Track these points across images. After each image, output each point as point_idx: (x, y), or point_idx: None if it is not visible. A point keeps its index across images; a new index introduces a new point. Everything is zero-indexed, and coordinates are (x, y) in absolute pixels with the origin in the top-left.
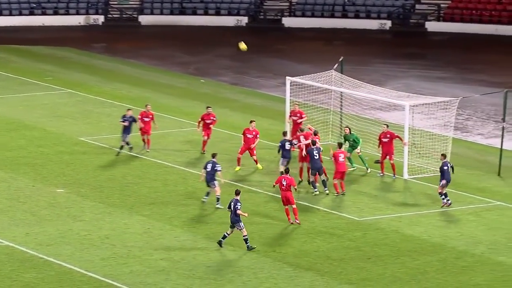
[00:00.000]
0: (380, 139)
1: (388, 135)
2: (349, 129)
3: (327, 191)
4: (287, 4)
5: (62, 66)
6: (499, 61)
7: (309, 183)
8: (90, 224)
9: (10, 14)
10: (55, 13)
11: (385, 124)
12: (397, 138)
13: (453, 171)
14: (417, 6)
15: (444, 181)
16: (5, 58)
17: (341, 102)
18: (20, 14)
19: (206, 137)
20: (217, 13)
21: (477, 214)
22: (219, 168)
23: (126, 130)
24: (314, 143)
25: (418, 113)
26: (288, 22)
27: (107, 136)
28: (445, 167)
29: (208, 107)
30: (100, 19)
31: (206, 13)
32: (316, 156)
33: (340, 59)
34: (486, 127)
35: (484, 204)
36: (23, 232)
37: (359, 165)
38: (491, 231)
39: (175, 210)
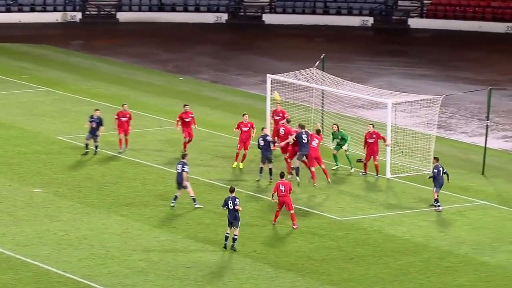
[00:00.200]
0: (365, 139)
1: (374, 135)
2: (337, 126)
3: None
4: (268, 0)
5: (39, 64)
6: (483, 58)
7: (293, 169)
8: (68, 224)
9: None
10: (32, 10)
11: (370, 124)
12: (382, 139)
13: (448, 178)
14: (400, 3)
15: (437, 187)
16: None
17: (322, 100)
18: None
19: (187, 138)
20: (197, 10)
21: (461, 213)
22: (186, 170)
23: (92, 131)
24: (303, 126)
25: (401, 111)
26: (269, 19)
27: (85, 135)
28: (435, 170)
29: (185, 105)
30: (78, 16)
31: (185, 10)
32: (305, 140)
33: (322, 57)
34: (469, 125)
35: (467, 203)
36: (0, 232)
37: (344, 164)
38: (475, 231)
39: (154, 210)
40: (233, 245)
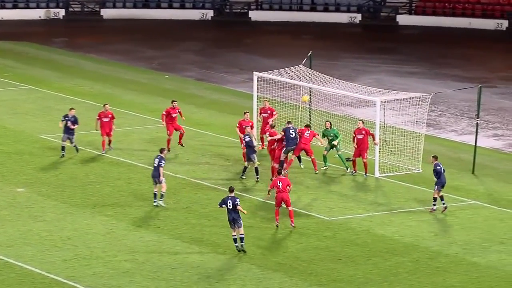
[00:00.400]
0: (354, 135)
1: (364, 132)
2: (330, 123)
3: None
4: None
5: (21, 62)
6: (473, 55)
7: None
8: (52, 224)
9: None
10: (15, 6)
11: (360, 121)
12: (371, 136)
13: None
14: None
15: (439, 186)
16: None
17: (310, 98)
18: None
19: (171, 136)
20: (182, 7)
21: (451, 213)
22: (162, 164)
23: (67, 130)
24: (290, 122)
25: (390, 109)
26: (255, 15)
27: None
28: (438, 167)
29: (173, 101)
30: (61, 12)
31: (170, 7)
32: (292, 134)
33: (309, 54)
34: (459, 124)
35: (458, 203)
36: None
37: (333, 164)
38: (465, 231)
39: (139, 210)
40: (242, 244)
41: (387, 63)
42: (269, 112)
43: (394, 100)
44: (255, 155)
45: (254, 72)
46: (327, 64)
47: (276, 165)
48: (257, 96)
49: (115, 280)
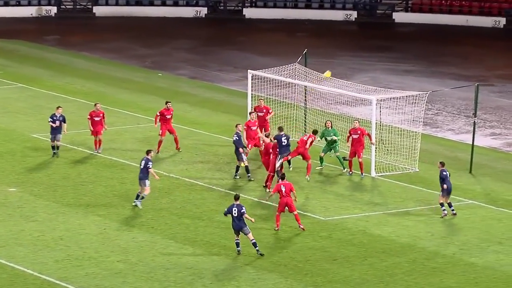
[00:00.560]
0: (350, 134)
1: (359, 131)
2: (331, 123)
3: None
4: None
5: (13, 60)
6: (470, 53)
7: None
8: (44, 224)
9: None
10: (6, 4)
11: (355, 120)
12: (367, 136)
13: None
14: None
15: (445, 191)
16: None
17: (305, 96)
18: None
19: (164, 137)
20: (175, 4)
21: (448, 213)
22: (150, 166)
23: (55, 130)
24: (281, 129)
25: (386, 108)
26: (249, 13)
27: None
28: (444, 173)
29: (167, 102)
30: (53, 10)
31: (163, 4)
32: (284, 142)
33: (304, 52)
34: (456, 122)
35: (455, 202)
36: None
37: (333, 164)
38: (462, 231)
39: (132, 210)
40: (257, 249)
41: (383, 61)
42: (264, 111)
43: (390, 99)
44: (242, 154)
45: (249, 70)
46: (323, 62)
47: (272, 174)
48: (251, 94)
49: (108, 281)
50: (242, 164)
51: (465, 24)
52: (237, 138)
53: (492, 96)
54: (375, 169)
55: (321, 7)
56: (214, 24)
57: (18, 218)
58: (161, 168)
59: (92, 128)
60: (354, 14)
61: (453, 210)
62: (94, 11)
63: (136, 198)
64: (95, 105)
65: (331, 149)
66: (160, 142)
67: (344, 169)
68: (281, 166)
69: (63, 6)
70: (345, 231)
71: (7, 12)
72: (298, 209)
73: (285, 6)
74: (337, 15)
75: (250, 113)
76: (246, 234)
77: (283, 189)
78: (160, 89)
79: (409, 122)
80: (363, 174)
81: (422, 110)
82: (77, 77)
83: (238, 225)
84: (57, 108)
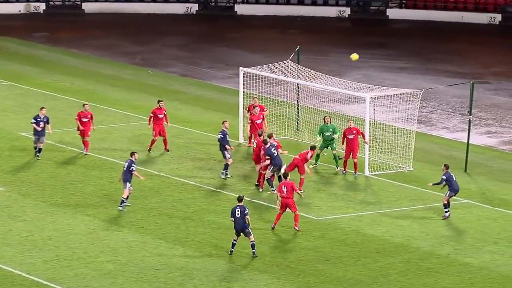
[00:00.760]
0: (345, 135)
1: (354, 131)
2: (330, 118)
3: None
4: None
5: (1, 57)
6: (465, 50)
7: (267, 182)
8: (32, 224)
9: None
10: None
11: (351, 120)
12: (360, 135)
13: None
14: None
15: (451, 192)
16: None
17: (297, 94)
18: None
19: (157, 137)
20: (166, 0)
21: (443, 212)
22: (133, 168)
23: (39, 132)
24: (266, 142)
25: (380, 105)
26: (241, 9)
27: (48, 131)
28: (444, 177)
29: (159, 101)
30: (41, 6)
31: (153, 0)
32: (275, 153)
33: (297, 49)
34: (451, 121)
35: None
36: None
37: (326, 163)
38: (457, 231)
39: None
40: (254, 251)
41: (377, 58)
42: (258, 109)
43: (384, 96)
44: (226, 152)
45: (240, 68)
46: (315, 59)
47: (263, 172)
48: (243, 92)
49: (97, 282)
50: (230, 161)
51: (460, 20)
52: (222, 136)
53: (488, 94)
54: (368, 168)
55: (313, 3)
56: (205, 20)
57: (6, 218)
58: (152, 167)
59: (81, 128)
60: (347, 11)
61: (447, 211)
62: (83, 7)
63: (121, 203)
64: (83, 105)
65: (327, 146)
66: (153, 142)
67: (337, 167)
68: (272, 174)
69: (52, 3)
70: (338, 231)
71: None
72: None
73: (277, 3)
74: (330, 11)
75: (254, 107)
76: (247, 236)
77: (284, 190)
78: (151, 87)
79: (403, 120)
80: (357, 173)
81: (417, 108)
82: (66, 74)
83: (240, 225)
84: (41, 109)
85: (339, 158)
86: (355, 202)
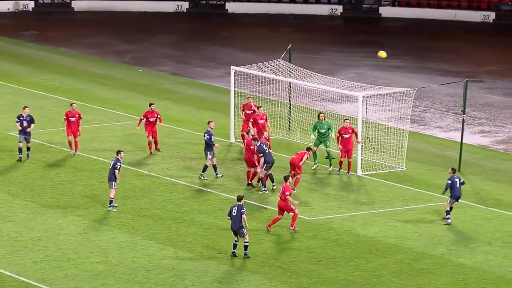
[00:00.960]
0: (340, 134)
1: (350, 130)
2: (324, 115)
3: (274, 187)
4: None
5: None
6: (459, 48)
7: (260, 181)
8: (21, 224)
9: None
10: None
11: (346, 120)
12: (354, 134)
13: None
14: None
15: (452, 199)
16: None
17: (289, 93)
18: None
19: (150, 137)
20: None
21: (436, 212)
22: (117, 167)
23: (23, 131)
24: (256, 139)
25: (372, 104)
26: (232, 7)
27: (39, 130)
28: (449, 181)
29: (151, 104)
30: (30, 4)
31: None
32: (266, 150)
33: (288, 47)
34: (445, 120)
35: (443, 202)
36: None
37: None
38: (451, 231)
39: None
40: (245, 252)
41: (370, 56)
42: (253, 108)
43: (377, 95)
44: (209, 153)
45: (232, 66)
46: (307, 58)
47: (252, 170)
48: (235, 91)
49: (87, 283)
50: (209, 162)
51: (453, 18)
52: (208, 137)
53: (481, 93)
54: (361, 168)
55: (305, 1)
56: (196, 18)
57: None
58: (142, 167)
59: (65, 129)
60: (339, 9)
61: (449, 218)
62: (72, 5)
63: (109, 204)
64: (71, 105)
65: (321, 142)
66: (149, 144)
67: (330, 167)
68: (266, 173)
69: (41, 1)
70: (331, 231)
71: None
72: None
73: (268, 1)
74: (322, 9)
75: (258, 108)
76: (241, 236)
77: (280, 192)
78: (141, 86)
79: (396, 119)
80: (350, 173)
81: (410, 107)
82: (55, 73)
83: (236, 225)
84: (24, 108)
85: (332, 158)
86: (348, 202)
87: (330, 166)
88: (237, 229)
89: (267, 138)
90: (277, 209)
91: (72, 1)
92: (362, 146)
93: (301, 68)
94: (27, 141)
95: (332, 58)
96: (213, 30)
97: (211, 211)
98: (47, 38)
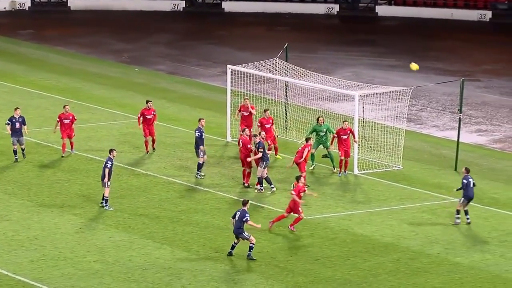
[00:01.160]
0: (339, 136)
1: (349, 132)
2: (323, 119)
3: (273, 188)
4: None
5: None
6: (455, 47)
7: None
8: (18, 223)
9: None
10: None
11: (345, 121)
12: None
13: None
14: None
15: (464, 199)
16: None
17: (286, 92)
18: None
19: (148, 137)
20: None
21: (433, 211)
22: (108, 165)
23: (15, 132)
24: (256, 135)
25: (369, 103)
26: (229, 6)
27: (35, 129)
28: (464, 181)
29: (148, 101)
30: (27, 3)
31: None
32: (266, 147)
33: (285, 46)
34: (441, 119)
35: (440, 201)
36: None
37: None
38: (447, 230)
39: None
40: (249, 253)
41: (366, 55)
42: (250, 110)
43: (373, 94)
44: (201, 151)
45: (228, 65)
46: (304, 57)
47: (248, 169)
48: (231, 90)
49: (84, 282)
50: (202, 160)
51: (450, 17)
52: (199, 134)
53: (478, 92)
54: (358, 167)
55: (302, 0)
56: (192, 18)
57: None
58: (139, 166)
59: (57, 131)
60: (336, 8)
61: (468, 218)
62: (69, 4)
63: (105, 203)
64: (64, 107)
65: (320, 144)
66: (146, 143)
67: (334, 168)
68: (265, 171)
69: (37, 0)
70: (328, 230)
71: None
72: (281, 207)
73: (265, 0)
74: (319, 8)
75: (265, 111)
76: (244, 239)
77: (292, 190)
78: (138, 85)
79: (393, 118)
80: (346, 172)
81: (406, 106)
82: (52, 72)
83: (236, 230)
84: (15, 109)
85: (326, 156)
86: (345, 201)
87: (334, 167)
88: (238, 233)
89: (265, 138)
90: (274, 208)
91: (68, 0)
92: (359, 145)
93: (297, 67)
94: (20, 142)
95: (329, 57)
96: (210, 29)
97: (208, 210)
98: (44, 37)
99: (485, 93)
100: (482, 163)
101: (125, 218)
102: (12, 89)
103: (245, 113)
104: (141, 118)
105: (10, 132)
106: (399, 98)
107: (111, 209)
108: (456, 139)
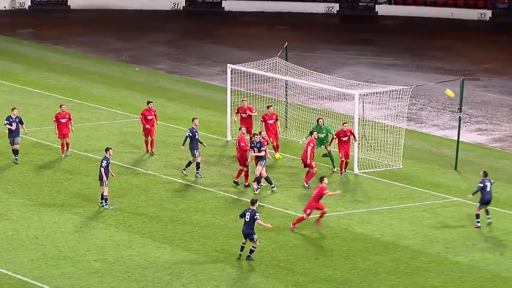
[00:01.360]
0: (339, 137)
1: (349, 134)
2: (323, 120)
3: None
4: None
5: None
6: (455, 47)
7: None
8: (18, 223)
9: None
10: None
11: (345, 123)
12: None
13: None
14: None
15: (481, 204)
16: None
17: (286, 91)
18: None
19: (148, 137)
20: None
21: (433, 211)
22: (103, 164)
23: (13, 133)
24: (255, 135)
25: (369, 103)
26: (229, 5)
27: (35, 128)
28: (480, 184)
29: (149, 102)
30: (27, 3)
31: None
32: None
33: (285, 45)
34: (441, 118)
35: (440, 200)
36: None
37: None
38: (447, 229)
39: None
40: (249, 255)
41: (366, 54)
42: (248, 112)
43: (373, 94)
44: (195, 151)
45: (228, 65)
46: (304, 56)
47: (245, 168)
48: (231, 89)
49: (84, 281)
50: (199, 159)
51: (450, 17)
52: (191, 134)
53: (478, 91)
54: (358, 166)
55: None
56: (192, 17)
57: None
58: (139, 165)
59: (57, 131)
60: (335, 7)
61: (488, 218)
62: (69, 3)
63: (105, 202)
64: (60, 106)
65: (321, 145)
66: (146, 142)
67: (334, 168)
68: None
69: None
70: (327, 229)
71: None
72: (281, 206)
73: None
74: (319, 7)
75: (268, 107)
76: (251, 241)
77: (315, 192)
78: (137, 84)
79: (393, 117)
80: (346, 171)
81: (406, 105)
82: (51, 71)
83: (247, 230)
84: (13, 109)
85: (326, 155)
86: (345, 200)
87: (334, 167)
88: (248, 234)
89: (265, 138)
90: (274, 207)
91: None
92: (359, 144)
93: (297, 66)
94: (16, 142)
95: (329, 56)
96: (210, 28)
97: (208, 209)
98: (44, 36)
99: (485, 92)
100: (482, 162)
101: (125, 217)
102: (11, 88)
103: (243, 115)
104: (141, 118)
105: (13, 128)
106: (399, 97)
107: (111, 208)
108: (456, 138)
